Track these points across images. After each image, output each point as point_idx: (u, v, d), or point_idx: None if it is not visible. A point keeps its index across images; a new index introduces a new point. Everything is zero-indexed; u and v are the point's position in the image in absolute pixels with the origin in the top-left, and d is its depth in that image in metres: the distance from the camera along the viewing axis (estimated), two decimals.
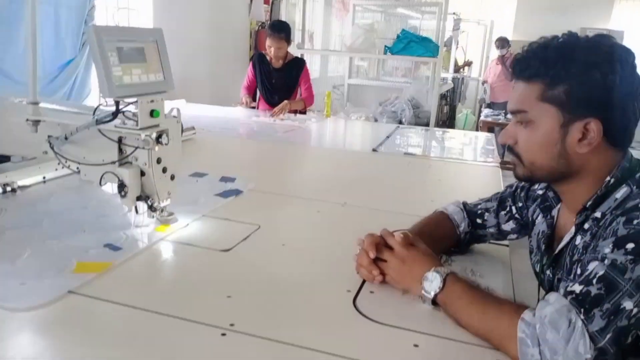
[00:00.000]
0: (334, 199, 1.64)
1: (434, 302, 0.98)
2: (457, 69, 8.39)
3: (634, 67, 0.92)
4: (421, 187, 1.98)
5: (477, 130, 6.73)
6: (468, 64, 8.80)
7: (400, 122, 4.41)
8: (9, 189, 1.48)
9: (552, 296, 0.85)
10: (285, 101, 3.41)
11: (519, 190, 1.23)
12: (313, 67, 7.76)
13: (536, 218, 1.16)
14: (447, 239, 1.26)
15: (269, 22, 5.20)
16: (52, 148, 1.25)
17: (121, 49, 1.09)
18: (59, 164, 1.27)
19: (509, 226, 1.25)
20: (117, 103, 1.10)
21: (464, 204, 1.31)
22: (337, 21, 7.71)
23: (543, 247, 1.11)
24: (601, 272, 0.83)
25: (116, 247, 1.16)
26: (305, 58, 4.01)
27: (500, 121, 6.09)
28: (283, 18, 5.03)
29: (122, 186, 1.21)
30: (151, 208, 1.27)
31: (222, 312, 0.93)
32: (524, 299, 1.05)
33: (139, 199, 1.25)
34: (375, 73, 7.84)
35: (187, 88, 4.20)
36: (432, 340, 0.90)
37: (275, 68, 3.58)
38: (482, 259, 1.28)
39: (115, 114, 1.12)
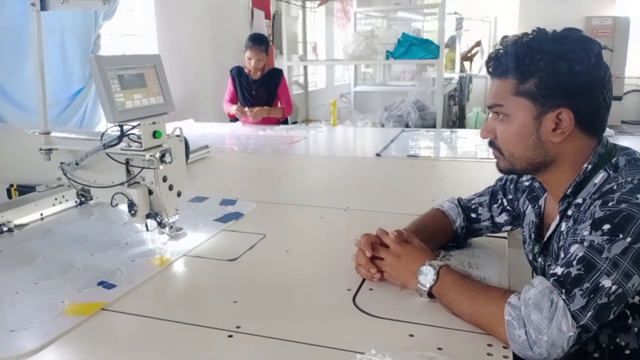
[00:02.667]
0: (336, 205, 1.70)
1: (430, 294, 1.03)
2: (465, 57, 8.36)
3: (599, 56, 0.97)
4: (423, 187, 2.03)
5: None
6: (478, 44, 8.62)
7: (407, 126, 4.46)
8: (5, 228, 1.45)
9: (537, 280, 0.90)
10: (266, 107, 3.58)
11: (508, 182, 1.28)
12: (318, 77, 7.86)
13: (526, 209, 1.21)
14: (444, 234, 1.31)
15: (270, 36, 5.32)
16: (65, 174, 1.33)
17: (122, 76, 1.17)
18: (78, 190, 1.35)
19: (502, 218, 1.29)
20: (121, 127, 1.18)
21: (459, 200, 1.36)
22: (339, 30, 7.80)
23: (533, 236, 1.15)
24: (580, 254, 0.88)
25: (110, 284, 1.11)
26: (309, 69, 4.10)
27: None
28: (284, 32, 5.12)
29: (132, 205, 1.28)
30: (160, 224, 1.35)
31: (228, 316, 0.99)
32: (519, 287, 1.09)
33: (148, 216, 1.32)
34: (382, 78, 7.90)
35: (194, 106, 4.31)
36: (426, 329, 0.94)
37: (254, 80, 3.68)
38: (480, 252, 1.32)
39: (120, 138, 1.20)
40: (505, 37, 1.05)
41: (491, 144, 1.08)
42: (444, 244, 1.31)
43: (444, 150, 2.98)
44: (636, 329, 0.96)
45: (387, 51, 4.67)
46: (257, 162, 2.56)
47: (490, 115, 1.07)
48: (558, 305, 0.84)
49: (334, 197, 1.82)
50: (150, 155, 1.22)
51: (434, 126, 4.42)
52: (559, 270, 0.88)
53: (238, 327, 0.95)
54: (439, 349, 0.88)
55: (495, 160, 1.10)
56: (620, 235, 0.86)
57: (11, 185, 1.62)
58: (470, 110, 7.98)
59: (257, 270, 1.23)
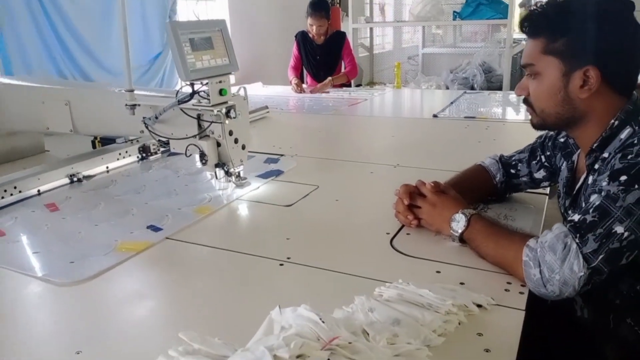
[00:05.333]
0: (388, 162, 1.81)
1: (461, 239, 1.14)
2: None
3: (630, 16, 1.01)
4: (474, 147, 2.09)
5: None
6: None
7: (472, 88, 4.41)
8: (75, 179, 1.66)
9: (555, 226, 0.99)
10: (329, 78, 3.61)
11: (547, 140, 1.33)
12: (386, 39, 7.80)
13: (561, 165, 1.27)
14: (484, 188, 1.40)
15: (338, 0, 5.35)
16: (147, 127, 1.53)
17: (193, 40, 1.33)
18: (157, 141, 1.55)
19: (540, 174, 1.36)
20: (192, 85, 1.35)
21: (500, 157, 1.43)
22: None
23: (565, 189, 1.22)
24: (597, 202, 0.95)
25: (157, 227, 1.28)
26: (375, 31, 4.12)
27: None
28: None
29: (202, 155, 1.46)
30: (227, 173, 1.52)
31: (281, 249, 1.16)
32: None
33: (217, 165, 1.50)
34: (453, 39, 7.71)
35: (263, 70, 4.49)
36: (452, 267, 1.06)
37: (318, 45, 3.75)
38: (519, 205, 1.40)
39: (191, 95, 1.37)
40: None
41: (525, 101, 1.15)
42: (484, 198, 1.40)
43: (508, 113, 2.96)
44: None
45: (454, 11, 4.60)
46: (315, 122, 2.70)
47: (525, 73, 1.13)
48: (571, 247, 0.93)
49: (386, 155, 1.93)
50: (218, 111, 1.38)
51: (500, 89, 4.35)
52: (576, 217, 0.96)
53: (288, 258, 1.11)
54: (461, 283, 0.99)
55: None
56: (636, 186, 0.92)
57: (95, 138, 1.87)
58: None
59: (309, 215, 1.38)
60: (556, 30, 1.03)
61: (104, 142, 1.90)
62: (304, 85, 3.71)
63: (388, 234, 1.23)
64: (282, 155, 1.92)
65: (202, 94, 1.39)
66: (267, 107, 2.72)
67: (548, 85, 1.07)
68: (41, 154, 1.94)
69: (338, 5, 5.44)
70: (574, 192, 1.17)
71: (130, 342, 0.85)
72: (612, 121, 1.04)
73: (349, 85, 4.04)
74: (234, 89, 1.48)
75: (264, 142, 2.10)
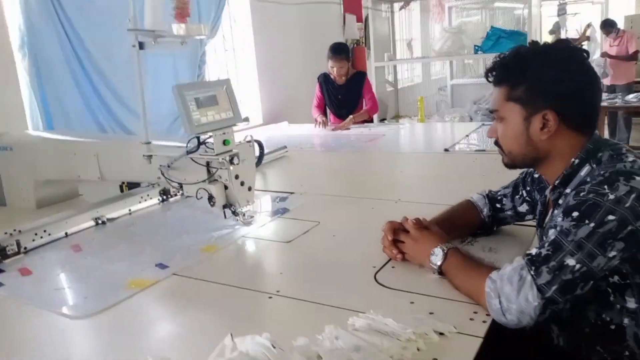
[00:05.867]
0: (389, 197, 1.91)
1: (440, 272, 1.22)
2: (578, 43, 7.91)
3: (583, 63, 1.10)
4: (478, 180, 2.14)
5: None
6: (588, 26, 8.09)
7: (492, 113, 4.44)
8: (100, 221, 1.82)
9: (516, 259, 1.06)
10: (350, 116, 3.78)
11: (527, 176, 1.41)
12: (415, 72, 7.94)
13: (539, 199, 1.34)
14: (472, 222, 1.48)
15: (363, 38, 5.55)
16: (162, 174, 1.69)
17: (198, 99, 1.50)
18: (171, 186, 1.72)
19: (523, 208, 1.43)
20: (198, 138, 1.51)
21: (488, 192, 1.51)
22: (436, 24, 7.80)
23: (538, 222, 1.29)
24: (553, 237, 1.03)
25: (164, 265, 1.41)
26: (402, 65, 4.24)
27: (617, 104, 5.69)
28: (371, 34, 5.32)
29: (211, 198, 1.61)
30: (234, 213, 1.66)
31: (272, 283, 1.27)
32: None
33: (224, 206, 1.65)
34: (482, 69, 7.76)
35: (290, 109, 4.70)
36: (425, 298, 1.15)
37: (340, 85, 3.93)
38: (506, 238, 1.48)
39: (198, 146, 1.53)
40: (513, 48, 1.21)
41: (496, 143, 1.25)
42: (473, 231, 1.48)
43: None
44: (618, 306, 1.08)
45: (475, 45, 4.69)
46: (331, 160, 2.84)
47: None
48: (526, 279, 1.00)
49: (389, 190, 2.04)
50: (222, 159, 1.53)
51: None
52: (534, 250, 1.04)
53: (278, 291, 1.22)
54: (431, 313, 1.08)
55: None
56: (586, 221, 0.99)
57: (123, 183, 2.06)
58: None
59: (305, 251, 1.50)
60: (515, 79, 1.13)
61: (130, 186, 2.09)
62: (329, 125, 3.86)
63: (374, 267, 1.32)
64: (292, 193, 2.05)
65: (208, 144, 1.55)
66: (285, 147, 2.88)
67: (512, 129, 1.16)
68: (75, 198, 2.15)
69: (364, 44, 5.63)
70: (544, 225, 1.24)
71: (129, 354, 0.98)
72: (573, 160, 1.12)
73: (372, 121, 4.18)
74: (257, 132, 1.62)
75: (278, 181, 2.24)
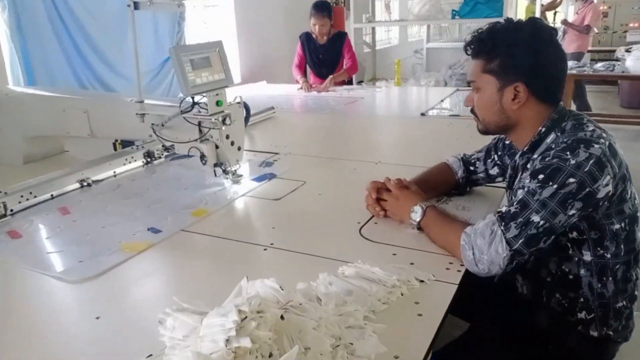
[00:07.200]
0: (370, 159, 2.02)
1: (419, 227, 1.35)
2: (550, 8, 8.03)
3: (550, 40, 1.21)
4: (452, 144, 2.27)
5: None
6: (558, 3, 8.23)
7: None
8: (85, 183, 1.82)
9: (488, 215, 1.19)
10: (330, 77, 3.84)
11: (499, 141, 1.54)
12: (392, 34, 7.96)
13: (509, 163, 1.47)
14: (448, 183, 1.61)
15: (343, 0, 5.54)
16: (154, 132, 1.75)
17: (193, 60, 1.55)
18: (162, 145, 1.78)
19: (494, 171, 1.56)
20: (192, 98, 1.57)
21: (463, 155, 1.63)
22: None
23: (507, 184, 1.42)
24: (520, 197, 1.16)
25: (157, 230, 1.44)
26: (383, 27, 4.28)
27: (585, 73, 5.82)
28: None
29: (202, 157, 1.68)
30: (225, 172, 1.75)
31: (266, 236, 1.38)
32: None
33: (215, 165, 1.73)
34: (458, 34, 7.83)
35: (268, 69, 4.71)
36: (406, 250, 1.27)
37: (321, 44, 3.98)
38: (478, 198, 1.61)
39: (192, 106, 1.59)
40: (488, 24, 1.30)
41: (472, 111, 1.36)
42: (448, 191, 1.61)
43: None
44: (576, 259, 1.23)
45: (453, 10, 4.75)
46: (313, 121, 2.92)
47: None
48: (497, 233, 1.13)
49: (370, 152, 2.14)
50: (215, 119, 1.60)
51: None
52: (504, 209, 1.17)
53: (272, 244, 1.33)
54: (412, 263, 1.20)
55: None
56: (550, 183, 1.12)
57: (116, 140, 2.10)
58: None
59: (294, 207, 1.60)
60: (491, 53, 1.23)
61: (124, 145, 2.13)
62: (312, 83, 3.92)
63: (359, 223, 1.44)
64: (277, 153, 2.13)
65: (201, 104, 1.61)
66: (273, 108, 2.94)
67: (487, 98, 1.27)
68: (61, 154, 2.18)
69: (342, 4, 5.62)
70: (513, 187, 1.37)
71: (139, 312, 1.08)
72: (540, 128, 1.25)
73: (351, 82, 4.24)
74: (240, 91, 1.68)
75: (263, 142, 2.32)
